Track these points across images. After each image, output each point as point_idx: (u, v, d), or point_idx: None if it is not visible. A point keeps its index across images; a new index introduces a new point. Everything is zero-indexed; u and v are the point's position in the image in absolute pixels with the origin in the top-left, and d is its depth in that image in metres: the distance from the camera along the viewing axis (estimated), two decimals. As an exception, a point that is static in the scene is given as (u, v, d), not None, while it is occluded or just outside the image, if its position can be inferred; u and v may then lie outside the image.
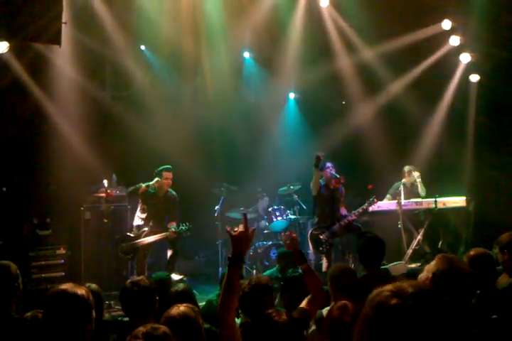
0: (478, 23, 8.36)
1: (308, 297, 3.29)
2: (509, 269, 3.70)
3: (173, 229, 7.09)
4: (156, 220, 7.35)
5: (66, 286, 2.44)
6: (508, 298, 3.04)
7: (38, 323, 2.41)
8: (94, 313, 2.46)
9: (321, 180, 7.43)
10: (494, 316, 2.87)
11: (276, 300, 4.69)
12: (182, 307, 2.76)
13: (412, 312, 1.12)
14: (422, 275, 2.58)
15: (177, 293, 3.85)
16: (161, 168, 7.42)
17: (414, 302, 1.13)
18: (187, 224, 7.17)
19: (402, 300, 1.14)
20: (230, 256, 2.48)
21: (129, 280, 3.27)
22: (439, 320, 1.12)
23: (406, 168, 8.51)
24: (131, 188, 7.37)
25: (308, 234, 7.56)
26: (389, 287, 1.19)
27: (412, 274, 4.73)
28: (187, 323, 2.64)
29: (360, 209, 7.30)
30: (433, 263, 2.58)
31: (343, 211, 7.54)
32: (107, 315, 5.85)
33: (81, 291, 2.42)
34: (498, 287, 3.46)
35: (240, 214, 8.60)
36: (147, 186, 7.25)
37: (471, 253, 3.65)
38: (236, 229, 2.49)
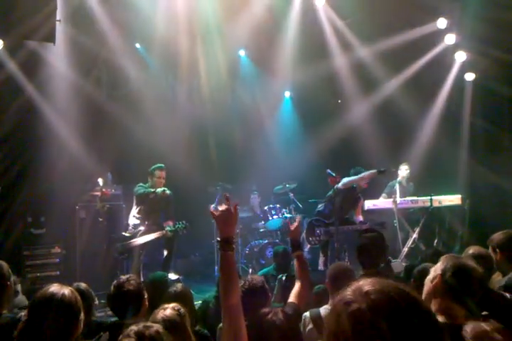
0: (474, 21, 8.36)
1: (296, 290, 3.31)
2: (501, 268, 3.70)
3: (168, 228, 7.08)
4: (152, 219, 7.34)
5: (52, 290, 2.41)
6: (501, 296, 3.04)
7: (25, 328, 2.38)
8: (82, 316, 2.43)
9: None
10: (484, 313, 2.87)
11: (273, 297, 4.70)
12: (167, 311, 2.74)
13: (368, 315, 1.05)
14: (430, 276, 2.58)
15: (175, 293, 3.83)
16: (153, 167, 7.42)
17: (370, 303, 1.06)
18: (183, 222, 7.16)
19: (359, 303, 1.07)
20: (218, 239, 2.41)
21: (114, 282, 3.25)
22: (399, 321, 1.05)
23: (400, 166, 8.59)
24: (141, 192, 7.33)
25: (308, 221, 7.70)
26: (348, 291, 1.12)
27: (409, 269, 4.70)
28: (172, 327, 2.62)
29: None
30: (439, 262, 2.57)
31: (359, 218, 7.68)
32: (101, 314, 5.84)
33: (68, 295, 2.39)
34: (492, 286, 3.46)
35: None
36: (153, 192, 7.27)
37: (470, 251, 3.61)
38: (219, 208, 2.45)
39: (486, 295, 3.01)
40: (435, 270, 2.56)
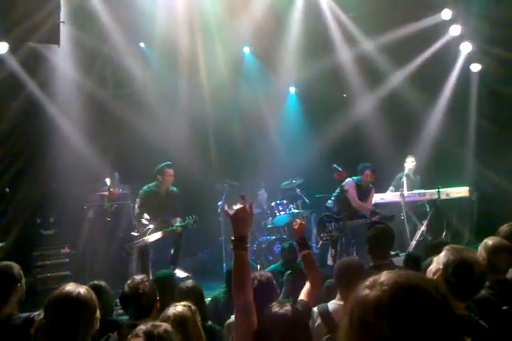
0: (479, 11, 8.31)
1: (306, 288, 3.31)
2: None
3: (178, 224, 7.12)
4: (160, 218, 7.37)
5: (68, 288, 2.44)
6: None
7: (42, 326, 2.42)
8: (98, 313, 2.46)
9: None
10: (505, 307, 2.86)
11: (281, 294, 4.71)
12: (179, 307, 2.76)
13: (380, 302, 1.10)
14: (432, 267, 2.57)
15: (186, 288, 3.86)
16: (161, 165, 7.45)
17: (383, 292, 1.12)
18: (193, 216, 7.20)
19: (372, 291, 1.13)
20: (232, 238, 2.44)
21: (128, 281, 3.26)
22: (409, 310, 1.09)
23: (406, 159, 8.55)
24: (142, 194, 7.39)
25: (318, 218, 7.79)
26: (369, 279, 1.19)
27: (414, 258, 4.70)
28: (183, 323, 2.65)
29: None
30: (442, 254, 2.56)
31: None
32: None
33: (84, 293, 2.42)
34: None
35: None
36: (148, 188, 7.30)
37: (490, 242, 3.36)
38: (234, 207, 2.47)
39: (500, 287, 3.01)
40: (438, 262, 2.54)
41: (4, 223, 7.30)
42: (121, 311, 5.01)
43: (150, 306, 3.13)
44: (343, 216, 7.31)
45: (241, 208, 2.44)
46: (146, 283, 3.21)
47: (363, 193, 7.77)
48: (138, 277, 3.30)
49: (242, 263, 2.40)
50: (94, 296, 2.50)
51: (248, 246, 2.47)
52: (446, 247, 2.61)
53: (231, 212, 2.45)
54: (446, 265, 2.48)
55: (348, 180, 7.54)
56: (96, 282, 3.74)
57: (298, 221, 3.43)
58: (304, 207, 9.13)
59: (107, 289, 3.78)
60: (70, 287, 2.47)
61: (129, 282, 3.26)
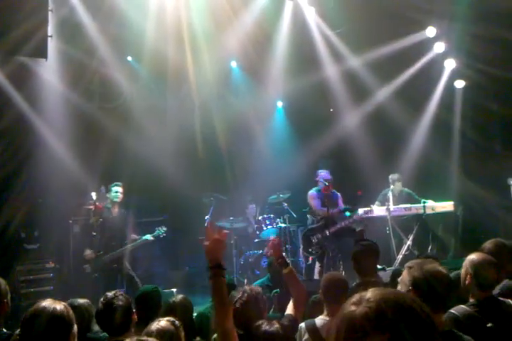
0: (462, 28, 8.47)
1: (292, 303, 3.31)
2: None
3: (148, 236, 7.14)
4: (119, 239, 7.26)
5: (44, 304, 2.43)
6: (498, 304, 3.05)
7: None
8: (75, 329, 2.44)
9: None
10: (490, 324, 2.86)
11: (272, 309, 4.70)
12: (162, 322, 2.75)
13: (367, 317, 1.12)
14: (400, 288, 2.50)
15: (175, 303, 3.83)
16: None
17: (369, 308, 1.13)
18: (162, 227, 7.25)
19: (358, 307, 1.15)
20: (209, 266, 2.40)
21: (102, 298, 3.20)
22: (396, 324, 1.11)
23: (391, 177, 8.50)
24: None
25: (301, 234, 7.87)
26: (356, 296, 1.20)
27: (398, 274, 4.70)
28: (167, 338, 2.63)
29: (351, 220, 7.43)
30: (404, 273, 2.50)
31: (341, 206, 7.93)
32: (95, 328, 5.78)
33: (60, 309, 2.40)
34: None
35: (230, 224, 8.60)
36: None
37: (475, 258, 3.19)
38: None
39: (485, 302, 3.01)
40: (403, 281, 2.47)
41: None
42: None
43: (126, 320, 3.09)
44: (321, 224, 7.45)
45: (215, 240, 2.40)
46: (120, 297, 3.15)
47: (330, 200, 7.74)
48: (110, 293, 3.23)
49: (223, 290, 2.37)
50: (71, 312, 2.47)
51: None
52: (407, 264, 2.55)
53: (205, 243, 2.40)
54: (414, 282, 2.40)
55: (309, 192, 7.91)
56: (71, 300, 3.66)
57: (273, 239, 3.40)
58: (291, 222, 9.13)
59: (85, 306, 3.69)
60: (46, 303, 2.45)
61: (102, 298, 3.20)
